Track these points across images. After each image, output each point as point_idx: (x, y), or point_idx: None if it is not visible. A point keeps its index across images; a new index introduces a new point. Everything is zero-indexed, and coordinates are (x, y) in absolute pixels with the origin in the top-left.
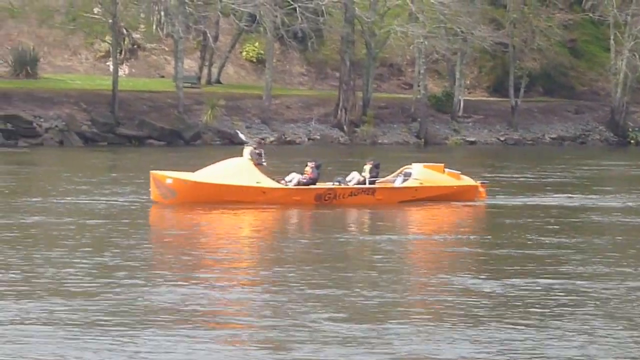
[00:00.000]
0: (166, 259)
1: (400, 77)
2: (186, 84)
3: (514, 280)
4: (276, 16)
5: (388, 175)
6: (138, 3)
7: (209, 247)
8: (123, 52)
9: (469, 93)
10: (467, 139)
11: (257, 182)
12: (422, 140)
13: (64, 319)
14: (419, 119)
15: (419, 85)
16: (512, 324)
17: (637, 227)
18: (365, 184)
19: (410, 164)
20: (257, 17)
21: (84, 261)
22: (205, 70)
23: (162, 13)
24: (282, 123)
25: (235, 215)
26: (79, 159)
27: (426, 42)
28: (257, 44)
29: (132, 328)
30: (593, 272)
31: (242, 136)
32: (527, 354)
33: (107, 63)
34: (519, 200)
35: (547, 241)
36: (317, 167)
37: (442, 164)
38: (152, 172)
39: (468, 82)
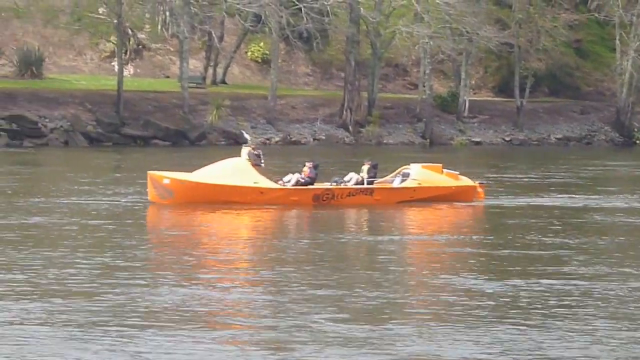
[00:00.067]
0: (167, 260)
1: (406, 78)
2: (191, 84)
3: (515, 280)
4: (281, 16)
5: (386, 175)
6: (143, 3)
7: (209, 248)
8: (128, 53)
9: (475, 93)
10: (473, 139)
11: (255, 183)
12: (428, 140)
13: (65, 319)
14: (424, 119)
15: (424, 86)
16: (514, 324)
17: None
18: (363, 184)
19: (409, 164)
20: (263, 18)
21: (85, 261)
22: (210, 71)
23: (167, 13)
24: (288, 123)
25: (234, 216)
26: (83, 159)
27: (431, 43)
28: (262, 44)
29: (132, 328)
30: (595, 273)
31: (247, 136)
32: (529, 354)
33: (112, 63)
34: (522, 201)
35: (549, 242)
36: (315, 167)
37: (441, 165)
38: (149, 172)
39: (473, 82)
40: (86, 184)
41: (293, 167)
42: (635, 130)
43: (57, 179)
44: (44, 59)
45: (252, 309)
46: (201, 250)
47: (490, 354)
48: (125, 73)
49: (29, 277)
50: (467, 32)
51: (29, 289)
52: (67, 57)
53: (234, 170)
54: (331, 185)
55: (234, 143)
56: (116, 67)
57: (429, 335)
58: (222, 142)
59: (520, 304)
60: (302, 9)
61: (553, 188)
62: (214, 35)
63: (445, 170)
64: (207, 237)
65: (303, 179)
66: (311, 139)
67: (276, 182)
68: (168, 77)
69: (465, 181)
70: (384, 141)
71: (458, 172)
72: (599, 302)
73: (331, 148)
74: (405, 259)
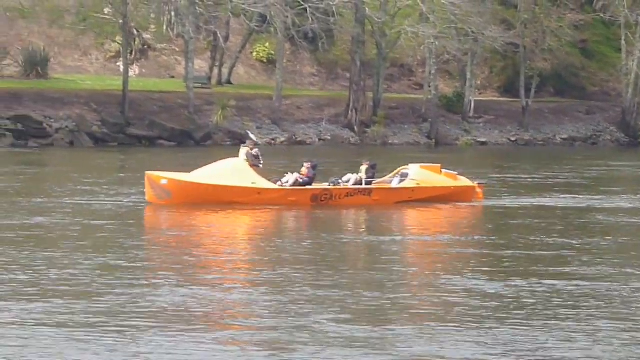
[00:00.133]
0: (167, 260)
1: (411, 78)
2: (197, 85)
3: (518, 281)
4: (287, 16)
5: (385, 175)
6: (148, 3)
7: (210, 248)
8: (133, 53)
9: (480, 93)
10: (478, 139)
11: (253, 183)
12: (433, 140)
13: (66, 319)
14: (429, 120)
15: (429, 86)
16: (517, 325)
17: None
18: (362, 184)
19: (407, 165)
20: (268, 18)
21: (86, 262)
22: (215, 71)
23: (173, 13)
24: (293, 123)
25: (234, 217)
26: (88, 160)
27: (437, 43)
28: (267, 44)
29: (133, 329)
30: (598, 273)
31: (252, 136)
32: (531, 355)
33: (118, 63)
34: (525, 201)
35: (552, 242)
36: (314, 167)
37: (439, 165)
38: (147, 172)
39: (479, 82)
40: (90, 184)
41: (297, 168)
42: None
43: (61, 179)
44: (49, 59)
45: (252, 310)
46: (202, 251)
47: (492, 354)
48: (131, 73)
49: (30, 277)
50: (473, 32)
51: (29, 289)
52: (72, 58)
53: (232, 171)
54: (329, 185)
55: (239, 143)
56: (121, 68)
57: (430, 336)
58: (228, 143)
59: (523, 305)
60: (308, 9)
61: (557, 188)
62: (219, 35)
63: (444, 171)
64: (208, 237)
65: (301, 178)
66: (316, 140)
67: (274, 182)
68: (173, 77)
69: (464, 181)
70: (390, 141)
71: (457, 173)
72: (602, 303)
73: (336, 148)
74: (407, 259)
